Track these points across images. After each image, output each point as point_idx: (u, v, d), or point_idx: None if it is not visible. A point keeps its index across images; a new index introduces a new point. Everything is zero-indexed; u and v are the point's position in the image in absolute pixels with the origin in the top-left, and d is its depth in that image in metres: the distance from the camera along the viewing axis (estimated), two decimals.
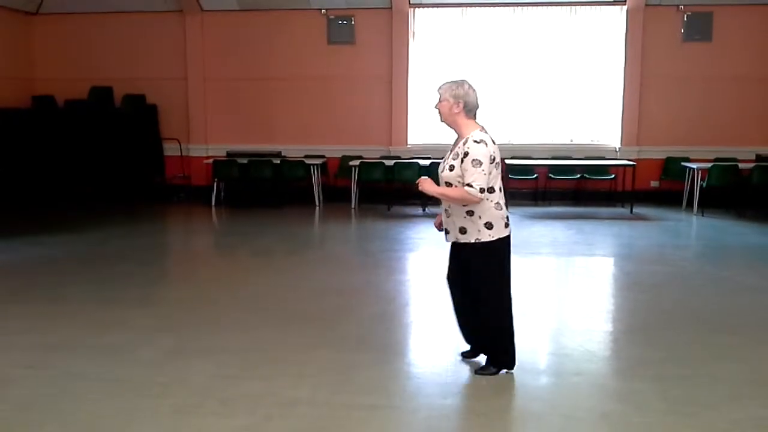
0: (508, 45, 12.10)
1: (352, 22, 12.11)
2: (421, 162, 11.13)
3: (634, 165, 11.05)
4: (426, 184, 4.13)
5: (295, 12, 12.12)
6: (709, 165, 10.76)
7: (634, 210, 11.00)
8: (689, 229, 10.07)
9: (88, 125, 11.78)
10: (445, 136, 13.43)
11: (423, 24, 12.19)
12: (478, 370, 4.36)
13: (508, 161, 11.39)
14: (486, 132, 4.15)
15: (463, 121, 4.17)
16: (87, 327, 5.36)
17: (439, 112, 4.24)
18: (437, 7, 12.09)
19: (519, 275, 7.43)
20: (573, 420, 3.75)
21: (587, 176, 11.88)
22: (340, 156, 11.98)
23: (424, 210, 11.29)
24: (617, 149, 12.05)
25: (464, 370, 4.60)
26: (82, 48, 12.46)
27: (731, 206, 11.06)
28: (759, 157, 11.35)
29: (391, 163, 11.20)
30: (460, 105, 4.13)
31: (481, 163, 3.99)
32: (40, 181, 11.20)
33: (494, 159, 4.09)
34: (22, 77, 12.29)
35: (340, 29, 12.13)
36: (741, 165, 10.85)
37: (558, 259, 8.13)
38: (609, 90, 12.06)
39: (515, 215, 10.76)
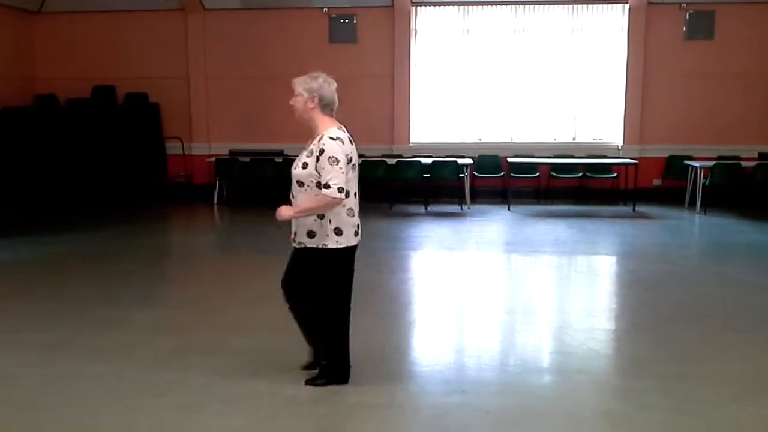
0: (509, 43, 12.08)
1: (354, 21, 12.10)
2: (423, 160, 11.11)
3: (636, 163, 11.02)
4: (282, 211, 3.83)
5: (297, 11, 12.11)
6: (712, 163, 10.73)
7: (636, 208, 10.98)
8: (692, 227, 10.05)
9: (90, 124, 11.77)
10: (447, 134, 13.35)
11: (425, 23, 12.17)
12: (308, 380, 4.10)
13: (510, 159, 11.39)
14: (344, 131, 3.89)
15: (318, 117, 3.88)
16: (88, 326, 5.36)
17: (294, 108, 3.93)
18: (439, 5, 12.06)
19: (521, 274, 7.45)
20: (576, 418, 3.74)
21: (589, 175, 11.86)
22: None
23: (426, 209, 11.28)
24: (619, 147, 12.03)
25: (467, 369, 4.59)
26: (84, 46, 12.45)
27: (734, 204, 11.03)
28: (762, 155, 11.31)
29: (393, 161, 11.19)
30: (315, 99, 3.86)
31: (338, 161, 3.72)
32: (43, 180, 11.19)
33: (350, 159, 3.83)
34: (25, 76, 12.29)
35: (342, 28, 12.12)
36: (744, 163, 10.82)
37: (560, 258, 8.11)
38: (611, 88, 12.03)
39: (517, 213, 10.75)
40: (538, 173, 11.82)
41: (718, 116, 11.73)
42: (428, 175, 11.07)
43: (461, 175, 11.10)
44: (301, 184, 3.86)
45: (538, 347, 5.02)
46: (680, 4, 11.60)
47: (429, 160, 11.11)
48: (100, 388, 4.17)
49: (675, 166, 11.73)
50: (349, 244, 3.91)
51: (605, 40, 11.98)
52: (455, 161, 11.02)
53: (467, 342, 5.19)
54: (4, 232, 9.36)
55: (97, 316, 5.64)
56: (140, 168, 11.92)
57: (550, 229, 9.52)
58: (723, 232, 9.49)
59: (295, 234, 3.97)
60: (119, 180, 11.74)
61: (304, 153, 3.87)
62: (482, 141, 12.29)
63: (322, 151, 3.74)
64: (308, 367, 4.23)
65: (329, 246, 3.84)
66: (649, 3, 11.61)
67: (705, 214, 10.62)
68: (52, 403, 3.97)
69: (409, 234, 9.41)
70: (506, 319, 5.64)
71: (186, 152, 12.51)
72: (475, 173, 11.87)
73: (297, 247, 3.97)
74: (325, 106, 3.89)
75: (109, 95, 12.20)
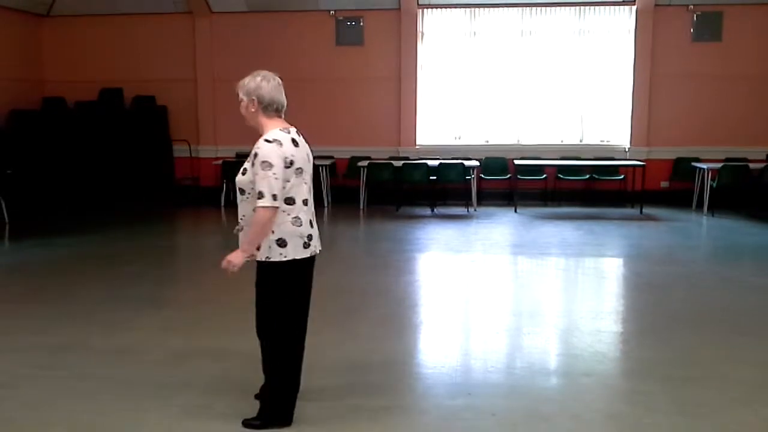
0: (516, 46, 12.08)
1: (361, 24, 12.12)
2: (430, 163, 11.12)
3: (643, 165, 10.99)
4: (233, 260, 3.49)
5: (304, 13, 12.14)
6: (720, 165, 10.70)
7: (643, 210, 10.95)
8: (699, 229, 10.02)
9: (98, 127, 11.83)
10: (454, 136, 13.34)
11: (431, 25, 12.18)
12: (245, 421, 3.64)
13: (517, 161, 11.38)
14: (289, 132, 3.49)
15: (263, 120, 3.51)
16: (96, 328, 5.39)
17: (245, 117, 3.59)
18: (445, 8, 12.07)
19: (528, 276, 7.45)
20: (582, 421, 3.74)
21: (596, 177, 11.84)
22: (348, 157, 11.98)
23: (432, 211, 11.28)
24: (627, 149, 12.00)
25: (473, 371, 4.59)
26: (92, 49, 12.51)
27: (742, 206, 10.99)
28: None
29: (399, 163, 11.20)
30: (254, 102, 3.47)
31: (271, 166, 3.33)
32: (51, 182, 11.25)
33: (292, 163, 3.42)
34: (33, 79, 12.36)
35: (348, 30, 12.14)
36: (752, 165, 10.79)
37: (567, 260, 8.10)
38: (619, 90, 12.01)
39: (524, 216, 10.74)
40: (544, 175, 11.81)
41: (725, 118, 11.70)
42: (435, 178, 11.07)
43: (468, 177, 11.11)
44: (242, 191, 3.52)
45: (545, 350, 5.01)
46: (687, 5, 11.58)
47: (435, 163, 11.11)
48: (109, 388, 4.20)
49: (682, 168, 11.70)
50: (296, 257, 3.47)
51: (612, 41, 11.96)
52: (462, 163, 11.02)
53: (473, 344, 5.19)
54: (13, 235, 9.42)
55: (107, 317, 5.66)
56: (147, 171, 11.96)
57: (556, 231, 9.51)
58: (731, 234, 9.46)
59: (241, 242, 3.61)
60: (127, 183, 11.78)
61: (248, 159, 3.50)
62: (489, 143, 12.29)
63: (255, 155, 3.38)
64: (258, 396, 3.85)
65: (272, 259, 3.45)
66: (656, 5, 11.59)
67: (713, 216, 10.59)
68: (62, 403, 4.00)
69: (416, 236, 9.42)
70: (513, 321, 5.64)
71: (193, 155, 12.55)
72: (482, 175, 11.87)
73: (250, 260, 3.54)
74: (267, 107, 3.49)
75: (117, 98, 12.26)
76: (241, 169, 3.52)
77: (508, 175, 11.90)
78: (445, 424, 3.72)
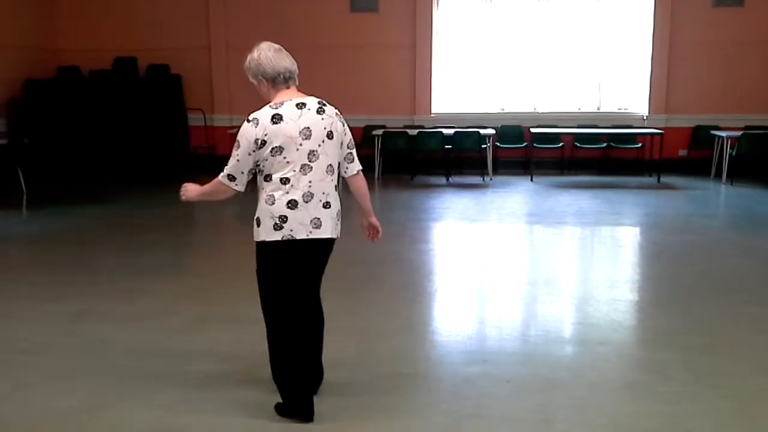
0: (533, 11, 11.89)
1: None
2: (445, 131, 11.04)
3: (662, 133, 10.85)
4: (188, 190, 3.56)
5: None
6: (739, 133, 10.53)
7: (661, 179, 10.84)
8: (718, 198, 9.92)
9: (112, 96, 11.82)
10: (469, 104, 13.20)
11: None
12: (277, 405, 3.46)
13: (533, 130, 11.27)
14: (278, 107, 3.24)
15: (273, 96, 3.33)
16: (115, 295, 5.45)
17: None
18: None
19: (544, 245, 7.42)
20: (598, 389, 3.74)
21: (614, 145, 11.71)
22: (363, 125, 11.92)
23: (447, 180, 11.23)
24: (645, 117, 11.85)
25: (488, 339, 4.60)
26: (106, 18, 12.46)
27: (761, 175, 10.84)
28: None
29: (414, 132, 11.13)
30: (263, 81, 3.31)
31: (238, 146, 3.24)
32: (66, 151, 11.30)
33: (264, 143, 3.20)
34: (48, 48, 12.35)
35: None
36: None
37: (584, 229, 8.06)
38: (637, 57, 11.82)
39: (540, 185, 10.67)
40: (561, 143, 11.69)
41: (746, 85, 11.49)
42: (450, 146, 11.00)
43: (483, 145, 11.02)
44: None
45: (560, 318, 5.01)
46: None
47: (451, 131, 11.03)
48: (128, 355, 4.25)
49: (701, 136, 11.55)
50: (267, 239, 3.27)
51: (631, 6, 11.73)
52: (477, 132, 10.94)
53: (489, 312, 5.20)
54: (31, 204, 9.51)
55: (124, 285, 5.72)
56: (162, 140, 11.97)
57: (573, 200, 9.45)
58: (749, 203, 9.35)
59: None
60: (142, 152, 11.80)
61: None
62: (505, 111, 12.17)
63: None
64: None
65: (255, 238, 3.35)
66: None
67: (731, 184, 10.47)
68: (82, 369, 4.06)
69: (431, 205, 9.39)
70: (528, 290, 5.64)
71: (208, 123, 12.54)
72: (498, 144, 11.78)
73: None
74: (273, 81, 3.29)
75: (131, 67, 12.23)
76: None
77: (525, 144, 11.80)
78: (460, 391, 3.74)
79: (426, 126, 11.71)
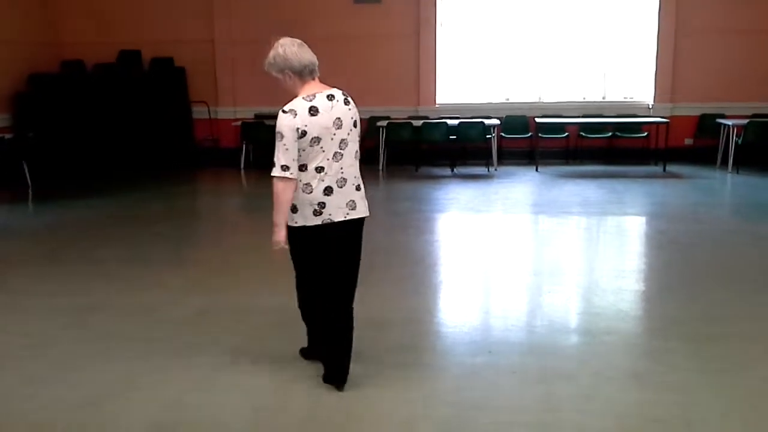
0: (537, 0, 11.82)
1: None
2: (450, 122, 11.01)
3: (667, 122, 10.80)
4: (280, 238, 3.53)
5: None
6: (745, 121, 10.47)
7: (667, 168, 10.79)
8: (724, 187, 9.88)
9: (117, 89, 11.82)
10: (474, 94, 13.13)
11: None
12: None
13: (538, 120, 11.23)
14: (312, 99, 3.44)
15: (299, 88, 3.51)
16: (121, 287, 5.46)
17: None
18: None
19: (549, 235, 7.40)
20: (604, 378, 3.74)
21: (619, 134, 11.66)
22: (367, 117, 11.89)
23: (452, 171, 11.21)
24: (650, 106, 11.79)
25: (494, 330, 4.60)
26: (110, 11, 12.44)
27: None
28: None
29: (419, 123, 11.11)
30: (290, 75, 3.48)
31: (282, 136, 3.39)
32: (71, 145, 11.32)
33: (305, 133, 3.39)
34: (52, 42, 12.34)
35: None
36: None
37: (589, 219, 8.04)
38: (642, 45, 11.75)
39: (545, 175, 10.64)
40: (566, 133, 11.65)
41: (752, 73, 11.40)
42: (454, 137, 10.97)
43: (488, 136, 10.99)
44: None
45: (566, 308, 5.00)
46: None
47: (455, 122, 11.00)
48: (134, 346, 4.27)
49: (707, 125, 11.48)
50: (306, 224, 3.49)
51: None
52: (482, 122, 10.90)
53: (494, 303, 5.19)
54: (36, 198, 9.53)
55: (130, 277, 5.74)
56: (167, 133, 11.97)
57: (578, 190, 9.42)
58: (756, 191, 9.30)
59: None
60: (146, 145, 11.81)
61: None
62: (509, 101, 12.13)
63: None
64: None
65: (289, 224, 3.53)
66: None
67: (737, 173, 10.42)
68: (88, 362, 4.08)
69: (436, 196, 9.38)
70: (533, 280, 5.63)
71: (212, 116, 12.54)
72: (503, 134, 11.74)
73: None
74: (300, 74, 3.47)
75: (135, 60, 12.22)
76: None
77: (530, 134, 11.76)
78: (465, 381, 3.74)
79: (430, 117, 11.68)
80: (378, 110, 11.90)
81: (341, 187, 3.51)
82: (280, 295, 5.19)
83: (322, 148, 3.44)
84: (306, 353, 4.00)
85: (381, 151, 11.27)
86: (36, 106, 11.24)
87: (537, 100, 12.07)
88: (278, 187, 3.42)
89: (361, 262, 3.82)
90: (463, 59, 12.11)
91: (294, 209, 3.50)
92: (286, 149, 3.39)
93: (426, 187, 9.96)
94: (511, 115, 11.91)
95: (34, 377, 3.89)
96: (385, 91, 12.05)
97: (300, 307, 3.83)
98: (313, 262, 3.62)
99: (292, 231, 3.55)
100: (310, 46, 3.61)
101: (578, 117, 11.54)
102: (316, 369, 3.84)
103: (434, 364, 4.01)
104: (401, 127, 11.14)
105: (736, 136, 10.49)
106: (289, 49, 3.46)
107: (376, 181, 10.40)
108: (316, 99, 3.45)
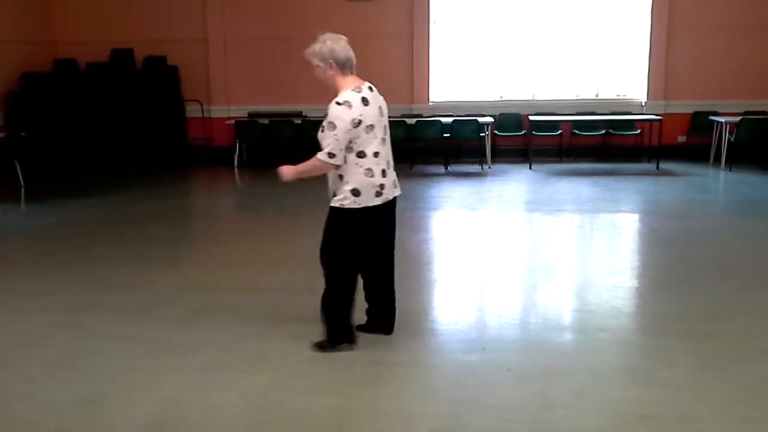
0: None
1: None
2: (444, 120, 11.01)
3: (660, 120, 10.83)
4: (283, 170, 3.97)
5: None
6: (738, 119, 10.51)
7: (660, 165, 10.83)
8: (716, 184, 9.92)
9: (110, 88, 11.78)
10: (468, 92, 13.11)
11: None
12: (315, 343, 4.09)
13: (531, 117, 11.25)
14: (360, 91, 3.82)
15: (340, 81, 3.85)
16: (115, 287, 5.45)
17: (321, 80, 3.94)
18: None
19: (543, 232, 7.42)
20: (598, 376, 3.75)
21: (612, 132, 11.69)
22: None
23: (446, 168, 11.21)
24: (643, 104, 11.82)
25: (488, 327, 4.61)
26: (102, 9, 12.39)
27: (760, 161, 10.83)
28: None
29: (412, 121, 11.10)
30: (332, 65, 3.81)
31: (334, 127, 3.70)
32: (64, 144, 11.28)
33: (360, 122, 3.74)
34: (44, 40, 12.28)
35: None
36: None
37: (583, 216, 8.05)
38: (635, 42, 11.78)
39: (539, 172, 10.66)
40: (560, 131, 11.67)
41: (745, 70, 11.44)
42: (448, 135, 10.98)
43: (482, 134, 11.00)
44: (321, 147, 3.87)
45: (560, 305, 5.01)
46: None
47: (449, 120, 11.00)
48: (128, 346, 4.26)
49: (700, 122, 11.51)
50: (368, 205, 3.87)
51: None
52: (476, 120, 10.91)
53: (488, 301, 5.20)
54: (29, 198, 9.49)
55: (124, 277, 5.72)
56: (160, 132, 11.94)
57: (572, 188, 9.44)
58: (748, 188, 9.34)
59: (328, 192, 4.04)
60: (140, 144, 11.78)
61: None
62: (503, 99, 12.14)
63: (327, 116, 3.76)
64: (362, 327, 4.26)
65: (346, 206, 3.85)
66: None
67: (730, 170, 10.46)
68: (82, 362, 4.06)
69: (430, 194, 9.38)
70: (528, 277, 5.64)
71: (205, 115, 12.51)
72: (496, 132, 11.76)
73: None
74: (343, 66, 3.84)
75: (128, 59, 12.18)
76: (320, 128, 3.84)
77: (523, 132, 11.77)
78: (460, 379, 3.75)
79: (424, 115, 11.67)
80: None
81: (390, 169, 3.98)
82: (275, 293, 5.20)
83: (375, 134, 3.83)
84: (369, 328, 4.27)
85: None
86: (29, 105, 11.19)
87: (530, 98, 12.09)
88: (318, 164, 3.79)
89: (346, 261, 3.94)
90: (456, 57, 12.12)
91: (357, 193, 3.82)
92: (336, 139, 3.71)
93: (420, 185, 9.96)
94: (504, 113, 11.92)
95: (29, 377, 3.87)
96: (378, 88, 11.97)
97: (365, 288, 4.21)
98: (372, 238, 3.99)
99: (353, 213, 3.85)
100: (303, 44, 3.83)
101: (571, 115, 11.56)
102: (311, 367, 3.84)
103: (429, 362, 4.02)
104: (395, 125, 11.05)
105: (729, 133, 10.53)
106: (337, 43, 3.82)
107: None
108: (363, 90, 3.83)
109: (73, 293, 5.32)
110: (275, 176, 4.00)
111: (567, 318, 4.79)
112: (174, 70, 12.25)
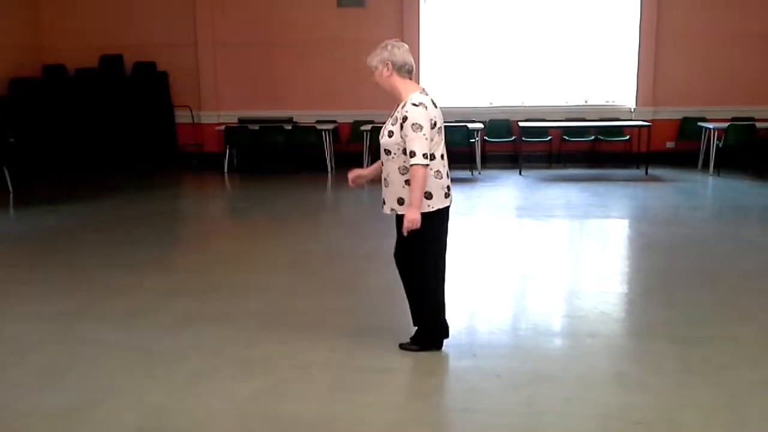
0: (520, 5, 11.89)
1: None
2: None
3: (649, 126, 10.90)
4: (411, 217, 3.78)
5: None
6: (726, 125, 10.59)
7: (649, 171, 10.89)
8: (705, 189, 9.97)
9: (99, 94, 11.76)
10: (458, 98, 13.15)
11: None
12: (402, 345, 4.14)
13: (521, 123, 11.29)
14: (427, 94, 3.90)
15: (398, 82, 3.91)
16: (103, 293, 5.41)
17: (379, 84, 4.03)
18: None
19: (533, 238, 7.43)
20: (587, 381, 3.76)
21: (602, 138, 11.75)
22: (351, 121, 11.90)
23: None
24: (632, 110, 11.89)
25: (478, 333, 4.61)
26: (91, 15, 12.37)
27: (748, 166, 10.91)
28: None
29: None
30: (389, 66, 3.89)
31: (421, 127, 3.73)
32: (53, 150, 11.23)
33: (435, 124, 3.84)
34: (33, 46, 12.25)
35: None
36: (758, 124, 10.67)
37: (572, 222, 8.08)
38: (624, 49, 11.85)
39: (529, 178, 10.70)
40: (549, 137, 11.72)
41: (733, 76, 11.54)
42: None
43: (472, 140, 11.03)
44: (388, 152, 3.92)
45: (550, 311, 5.02)
46: None
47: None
48: (116, 353, 4.23)
49: (688, 128, 11.60)
50: (441, 206, 3.93)
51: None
52: (465, 126, 10.94)
53: (478, 306, 5.20)
54: (17, 203, 9.44)
55: (112, 282, 5.69)
56: (150, 137, 11.91)
57: (561, 193, 9.47)
58: (737, 194, 9.40)
59: (384, 201, 4.03)
60: (129, 150, 11.74)
61: (389, 121, 3.92)
62: (493, 105, 12.19)
63: (405, 119, 3.75)
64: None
65: (424, 210, 3.84)
66: None
67: (718, 176, 10.53)
68: (70, 368, 4.03)
69: None
70: (517, 283, 5.65)
71: (195, 121, 12.49)
72: (486, 138, 11.79)
73: (391, 214, 4.01)
74: (400, 69, 3.89)
75: (117, 65, 12.16)
76: (387, 132, 3.90)
77: (513, 138, 11.82)
78: (449, 385, 3.75)
79: None
80: (362, 114, 11.89)
81: (448, 171, 4.02)
82: (264, 299, 5.19)
83: (442, 137, 3.94)
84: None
85: (365, 155, 11.26)
86: (17, 110, 11.15)
87: (520, 104, 12.14)
88: (420, 172, 3.73)
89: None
90: (446, 64, 12.15)
91: (429, 196, 3.85)
92: (426, 139, 3.73)
93: None
94: (494, 119, 11.97)
95: (15, 384, 3.84)
96: (369, 95, 11.93)
97: (440, 292, 4.15)
98: (443, 240, 4.05)
99: (428, 216, 3.84)
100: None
101: (561, 121, 11.61)
102: (301, 373, 3.83)
103: (418, 367, 4.01)
104: None
105: (717, 139, 10.61)
106: (397, 48, 3.91)
107: (360, 185, 10.38)
108: (428, 94, 3.90)
109: (61, 299, 5.28)
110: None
111: (556, 324, 4.79)
112: (164, 75, 12.24)
